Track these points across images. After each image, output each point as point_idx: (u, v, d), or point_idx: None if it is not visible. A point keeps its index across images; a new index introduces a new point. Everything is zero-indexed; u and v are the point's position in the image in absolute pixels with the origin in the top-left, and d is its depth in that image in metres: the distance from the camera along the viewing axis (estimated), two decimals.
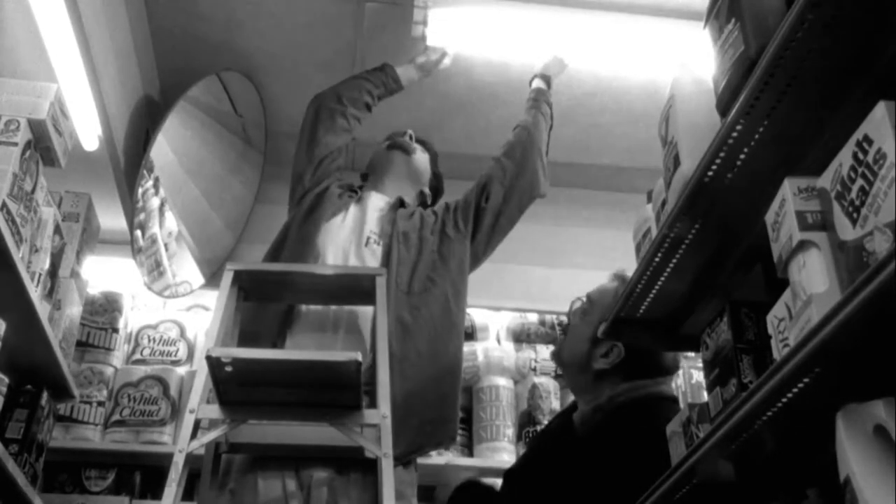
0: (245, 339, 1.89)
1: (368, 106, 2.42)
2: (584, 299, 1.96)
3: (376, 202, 2.20)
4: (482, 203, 2.20)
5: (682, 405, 2.10)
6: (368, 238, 2.08)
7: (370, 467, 1.69)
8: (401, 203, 2.20)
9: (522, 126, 2.34)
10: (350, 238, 2.08)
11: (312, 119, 2.35)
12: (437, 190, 2.42)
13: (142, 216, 2.79)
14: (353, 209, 2.18)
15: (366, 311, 1.94)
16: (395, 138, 2.36)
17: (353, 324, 1.95)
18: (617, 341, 1.80)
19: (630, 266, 1.60)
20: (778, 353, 1.09)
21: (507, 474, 1.96)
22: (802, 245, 1.00)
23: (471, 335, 3.30)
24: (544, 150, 2.34)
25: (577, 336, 1.91)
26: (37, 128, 1.83)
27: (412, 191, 2.32)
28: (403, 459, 1.85)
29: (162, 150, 2.82)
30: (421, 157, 2.36)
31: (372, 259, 2.04)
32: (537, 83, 2.48)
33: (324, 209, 2.15)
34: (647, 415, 1.72)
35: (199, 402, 1.60)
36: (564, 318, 3.37)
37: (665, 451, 1.53)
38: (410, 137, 2.37)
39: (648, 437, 1.64)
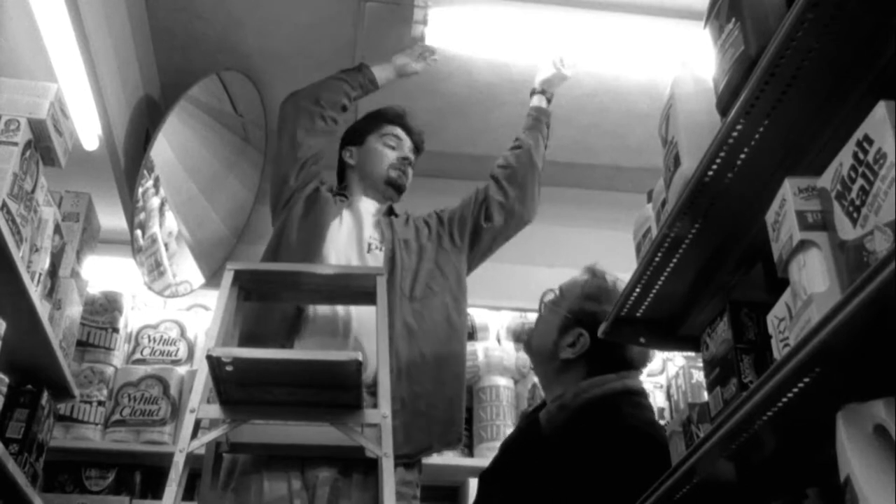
0: (252, 342, 1.89)
1: (345, 107, 2.38)
2: (556, 291, 1.98)
3: (368, 207, 2.21)
4: (481, 222, 2.20)
5: (681, 405, 2.11)
6: (370, 244, 2.08)
7: (373, 467, 1.69)
8: (391, 210, 2.21)
9: (524, 149, 2.31)
10: (350, 243, 2.09)
11: (292, 120, 2.30)
12: None
13: (142, 216, 2.79)
14: (346, 214, 2.18)
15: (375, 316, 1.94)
16: (398, 172, 2.28)
17: (363, 329, 1.94)
18: (584, 330, 1.82)
19: (630, 266, 1.60)
20: (778, 352, 1.09)
21: (482, 476, 1.96)
22: (803, 245, 1.00)
23: (471, 335, 3.31)
24: (540, 175, 2.33)
25: (546, 325, 1.93)
26: (37, 127, 1.83)
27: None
28: (413, 459, 1.88)
29: (162, 149, 2.82)
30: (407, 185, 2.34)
31: (375, 264, 2.04)
32: (538, 100, 2.42)
33: (323, 213, 2.14)
34: (609, 412, 1.73)
35: (200, 402, 1.60)
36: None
37: (630, 446, 1.53)
38: (411, 163, 2.31)
39: (613, 436, 1.65)
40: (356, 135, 2.37)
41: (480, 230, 2.21)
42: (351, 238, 2.10)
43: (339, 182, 2.38)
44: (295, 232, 2.11)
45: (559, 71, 2.42)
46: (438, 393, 1.94)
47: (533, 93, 2.45)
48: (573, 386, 1.81)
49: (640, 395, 1.84)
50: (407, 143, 2.33)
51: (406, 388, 1.88)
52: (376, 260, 2.06)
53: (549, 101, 2.44)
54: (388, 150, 2.30)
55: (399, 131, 2.33)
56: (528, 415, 2.15)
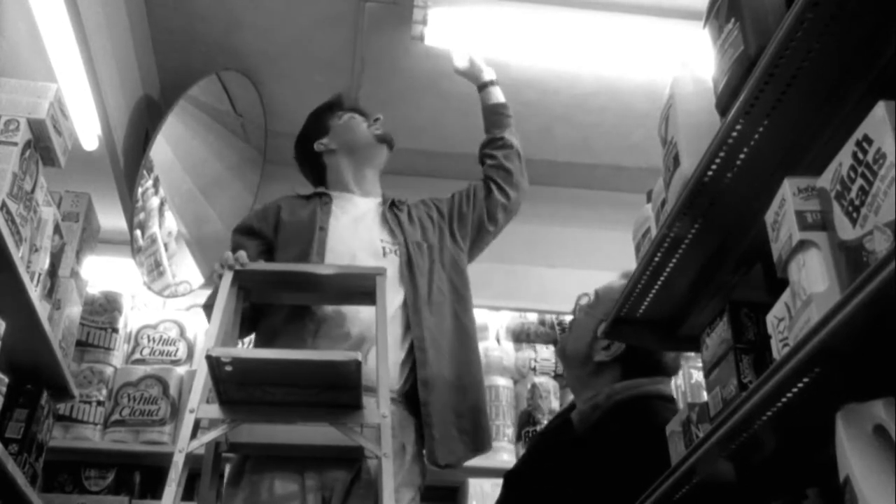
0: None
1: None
2: (591, 295, 1.98)
3: (366, 203, 2.15)
4: (486, 225, 2.19)
5: (681, 405, 2.12)
6: (384, 248, 2.03)
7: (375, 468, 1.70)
8: (393, 202, 2.16)
9: (514, 149, 2.28)
10: (363, 248, 2.02)
11: None
12: None
13: (141, 216, 2.80)
14: (340, 214, 2.09)
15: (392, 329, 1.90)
16: (383, 130, 2.24)
17: (371, 333, 1.93)
18: (615, 340, 1.81)
19: (630, 266, 1.60)
20: (778, 352, 1.09)
21: (507, 476, 1.96)
22: (802, 245, 1.00)
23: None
24: None
25: (581, 328, 1.92)
26: (36, 127, 1.83)
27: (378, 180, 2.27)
28: (457, 467, 1.90)
29: (162, 149, 2.82)
30: None
31: (392, 269, 1.96)
32: (496, 94, 2.38)
33: (307, 225, 2.05)
34: (644, 413, 1.73)
35: (199, 402, 1.59)
36: (564, 318, 3.39)
37: (661, 449, 1.53)
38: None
39: (645, 437, 1.65)
40: (318, 128, 2.28)
41: (485, 232, 2.20)
42: (360, 241, 2.04)
43: (319, 182, 2.27)
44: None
45: (474, 58, 2.42)
46: (462, 402, 1.94)
47: (480, 90, 2.41)
48: (607, 388, 1.81)
49: (671, 401, 1.83)
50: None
51: (437, 400, 1.89)
52: (393, 265, 1.98)
53: (493, 83, 2.39)
54: (357, 121, 2.26)
55: (354, 114, 2.28)
56: (557, 416, 2.14)
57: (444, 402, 1.90)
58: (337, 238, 2.04)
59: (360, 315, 1.93)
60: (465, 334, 2.03)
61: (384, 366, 1.71)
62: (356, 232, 2.07)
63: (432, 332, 1.95)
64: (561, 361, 2.19)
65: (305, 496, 1.77)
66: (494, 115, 2.35)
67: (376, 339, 1.77)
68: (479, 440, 1.96)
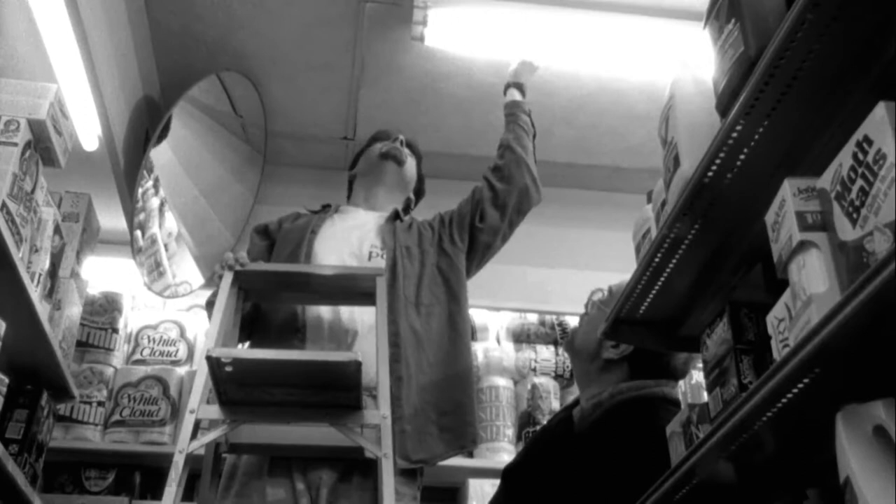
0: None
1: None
2: (605, 291, 1.98)
3: (368, 215, 2.20)
4: (476, 222, 2.20)
5: (682, 406, 2.11)
6: (371, 252, 2.07)
7: (373, 468, 1.69)
8: (396, 215, 2.20)
9: (506, 146, 2.28)
10: (349, 251, 2.06)
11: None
12: (419, 192, 2.42)
13: (142, 216, 2.80)
14: (338, 221, 2.17)
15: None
16: (389, 147, 2.30)
17: (367, 333, 1.93)
18: (615, 340, 1.80)
19: (630, 266, 1.60)
20: (778, 353, 1.09)
21: (506, 472, 1.96)
22: (802, 245, 1.00)
23: (471, 335, 3.31)
24: (532, 162, 2.28)
25: (592, 323, 1.92)
26: (37, 128, 1.83)
27: (401, 198, 2.32)
28: (430, 464, 1.89)
29: (162, 150, 2.82)
30: (410, 164, 2.34)
31: None
32: (511, 94, 2.41)
33: (294, 231, 2.14)
34: (645, 415, 1.72)
35: (199, 403, 1.60)
36: (564, 318, 3.39)
37: (660, 452, 1.53)
38: (401, 143, 2.33)
39: (643, 438, 1.64)
40: (355, 161, 2.43)
41: (476, 231, 2.21)
42: (349, 245, 2.08)
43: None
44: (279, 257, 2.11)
45: (525, 61, 2.44)
46: (447, 400, 1.94)
47: (506, 89, 2.43)
48: (611, 387, 1.81)
49: (675, 404, 1.82)
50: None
51: (416, 396, 1.89)
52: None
53: (522, 92, 2.41)
54: (376, 147, 2.35)
55: (379, 141, 2.37)
56: (559, 413, 2.14)
57: (423, 399, 1.90)
58: (324, 241, 2.09)
59: (344, 317, 1.96)
60: (457, 335, 2.04)
61: (384, 366, 1.71)
62: (347, 237, 2.11)
63: (415, 332, 1.96)
64: (568, 353, 2.19)
65: (297, 498, 1.77)
66: (505, 116, 2.38)
67: (376, 339, 1.77)
68: (464, 437, 1.95)
